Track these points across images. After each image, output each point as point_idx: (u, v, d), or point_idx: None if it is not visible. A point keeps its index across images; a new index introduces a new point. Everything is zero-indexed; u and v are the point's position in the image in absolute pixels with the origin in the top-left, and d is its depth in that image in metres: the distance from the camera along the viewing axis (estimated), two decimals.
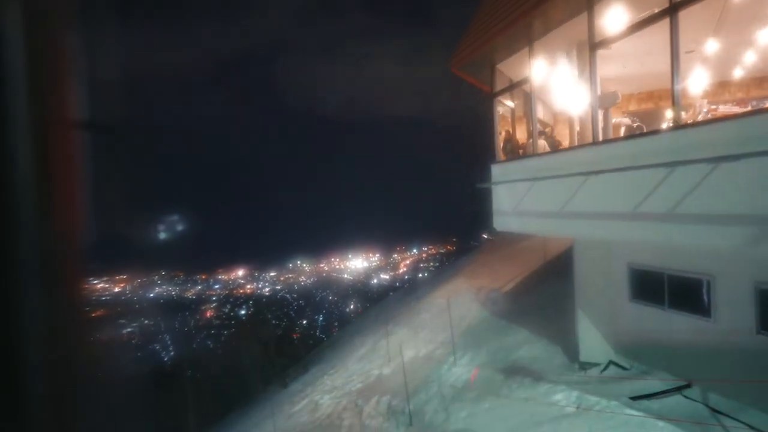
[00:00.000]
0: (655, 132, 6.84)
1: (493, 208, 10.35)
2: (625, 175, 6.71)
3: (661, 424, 6.15)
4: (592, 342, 9.20)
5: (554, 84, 9.66)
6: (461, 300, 15.39)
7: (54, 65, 1.34)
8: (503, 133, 11.02)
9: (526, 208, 9.28)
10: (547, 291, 14.61)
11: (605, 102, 7.77)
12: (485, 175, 10.75)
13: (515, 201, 9.50)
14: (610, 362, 8.89)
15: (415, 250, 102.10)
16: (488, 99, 11.03)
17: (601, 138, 7.58)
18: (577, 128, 9.48)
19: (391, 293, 40.39)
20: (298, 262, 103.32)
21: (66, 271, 1.36)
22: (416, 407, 10.46)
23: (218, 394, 29.05)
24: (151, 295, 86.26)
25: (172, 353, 62.90)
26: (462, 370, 11.18)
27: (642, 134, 6.84)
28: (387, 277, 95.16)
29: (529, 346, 11.04)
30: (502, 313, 13.84)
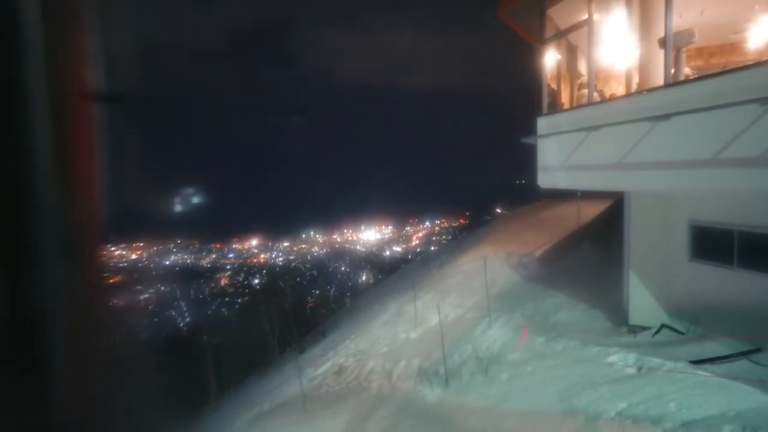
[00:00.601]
0: (746, 67, 6.10)
1: (538, 164, 9.71)
2: (702, 117, 6.02)
3: (744, 386, 5.58)
4: (643, 304, 8.62)
5: (612, 29, 8.88)
6: (490, 265, 14.81)
7: (71, 37, 1.33)
8: (548, 87, 10.30)
9: (577, 161, 8.63)
10: (582, 256, 14.02)
11: (680, 40, 7.03)
12: (525, 133, 10.10)
13: (565, 154, 8.84)
14: (663, 325, 8.32)
15: (427, 223, 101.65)
16: (536, 48, 10.30)
17: (672, 80, 6.87)
18: (636, 79, 8.72)
19: (409, 261, 40.02)
20: (311, 232, 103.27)
21: (85, 241, 1.38)
22: (451, 370, 10.00)
23: (236, 358, 29.07)
24: (167, 262, 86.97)
25: (187, 320, 63.71)
26: (497, 333, 10.67)
27: (729, 70, 6.14)
28: (399, 249, 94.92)
29: (568, 310, 10.50)
30: (536, 278, 13.30)
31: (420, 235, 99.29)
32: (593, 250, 14.37)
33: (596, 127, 7.86)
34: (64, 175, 1.29)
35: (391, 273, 38.33)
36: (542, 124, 9.54)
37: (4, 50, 1.18)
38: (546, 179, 9.52)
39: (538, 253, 15.50)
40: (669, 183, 6.85)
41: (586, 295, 10.94)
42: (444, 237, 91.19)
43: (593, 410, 6.13)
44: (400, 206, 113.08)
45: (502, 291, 13.05)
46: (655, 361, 6.74)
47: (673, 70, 7.05)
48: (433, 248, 67.22)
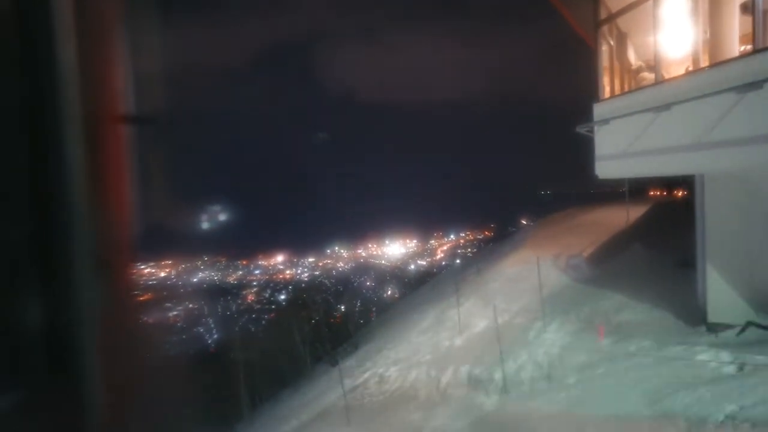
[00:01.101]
0: None
1: (596, 154, 9.00)
2: None
3: None
4: (723, 300, 7.80)
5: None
6: (536, 268, 14.05)
7: (104, 60, 1.38)
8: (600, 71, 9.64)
9: (643, 146, 7.91)
10: (633, 257, 13.18)
11: None
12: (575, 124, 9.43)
13: (628, 140, 8.13)
14: (749, 323, 7.48)
15: (452, 236, 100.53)
16: (586, 36, 9.68)
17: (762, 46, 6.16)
18: (703, 56, 8.00)
19: (442, 270, 39.13)
20: (336, 248, 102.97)
21: (116, 259, 1.42)
22: (507, 376, 9.27)
23: (267, 373, 28.55)
24: (195, 279, 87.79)
25: (215, 336, 63.70)
26: (553, 336, 9.91)
27: None
28: (424, 263, 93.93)
29: (631, 311, 9.70)
30: (588, 280, 12.50)
31: (445, 248, 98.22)
32: (644, 251, 13.51)
33: (667, 106, 7.15)
34: (96, 194, 1.32)
35: (417, 285, 37.56)
36: (600, 110, 8.85)
37: (39, 73, 1.21)
38: (605, 168, 8.81)
39: (586, 254, 14.67)
40: (762, 159, 6.11)
41: (647, 295, 10.12)
42: (469, 250, 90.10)
43: (694, 414, 5.38)
44: (424, 219, 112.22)
45: (552, 294, 12.26)
46: (759, 359, 5.95)
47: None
48: (465, 256, 66.33)
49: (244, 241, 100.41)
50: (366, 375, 14.87)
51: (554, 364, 8.74)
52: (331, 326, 31.06)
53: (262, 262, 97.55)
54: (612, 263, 13.08)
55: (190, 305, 70.01)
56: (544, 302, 12.11)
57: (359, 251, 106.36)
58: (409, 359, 13.54)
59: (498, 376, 9.45)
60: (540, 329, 10.51)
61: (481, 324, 13.03)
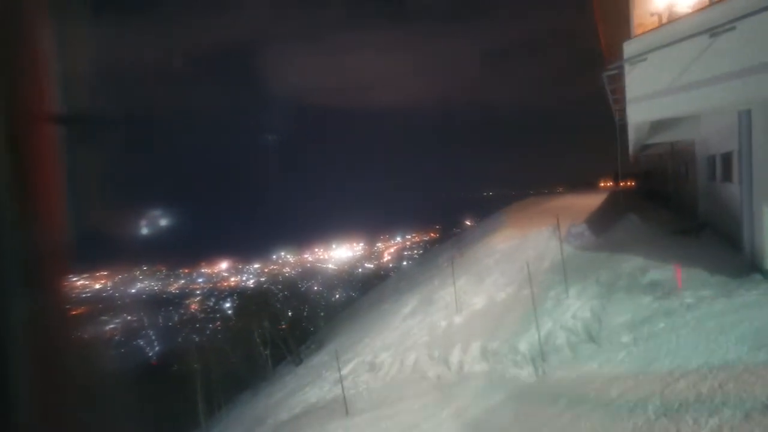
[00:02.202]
0: None
1: (628, 96, 8.13)
2: None
3: None
4: None
5: None
6: (533, 241, 13.23)
7: (29, 59, 1.29)
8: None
9: (687, 79, 7.08)
10: (631, 227, 12.61)
11: None
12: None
13: (672, 74, 7.28)
14: None
15: (398, 238, 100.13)
16: None
17: None
18: None
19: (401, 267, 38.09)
20: (282, 253, 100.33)
21: (47, 270, 1.32)
22: (533, 346, 8.24)
23: (225, 379, 26.65)
24: (133, 290, 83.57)
25: (157, 348, 60.51)
26: (577, 302, 8.95)
27: None
28: (371, 266, 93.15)
29: (658, 271, 8.85)
30: (594, 247, 11.72)
31: (391, 250, 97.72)
32: (641, 222, 12.93)
33: (732, 22, 6.33)
34: (23, 199, 1.23)
35: (374, 284, 36.33)
36: (634, 47, 7.96)
37: None
38: (643, 110, 7.94)
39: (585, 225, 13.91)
40: None
41: (670, 255, 9.36)
42: (415, 251, 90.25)
43: None
44: (369, 223, 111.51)
45: (557, 263, 11.36)
46: None
47: None
48: (405, 262, 65.73)
49: (185, 248, 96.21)
50: (352, 364, 13.50)
51: (591, 327, 7.75)
52: (291, 327, 29.31)
53: (205, 270, 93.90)
54: (612, 233, 12.41)
55: (129, 317, 66.48)
56: (554, 272, 11.22)
57: (306, 256, 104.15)
58: (401, 343, 12.29)
59: (523, 347, 8.38)
60: (558, 296, 9.54)
61: (480, 301, 11.98)
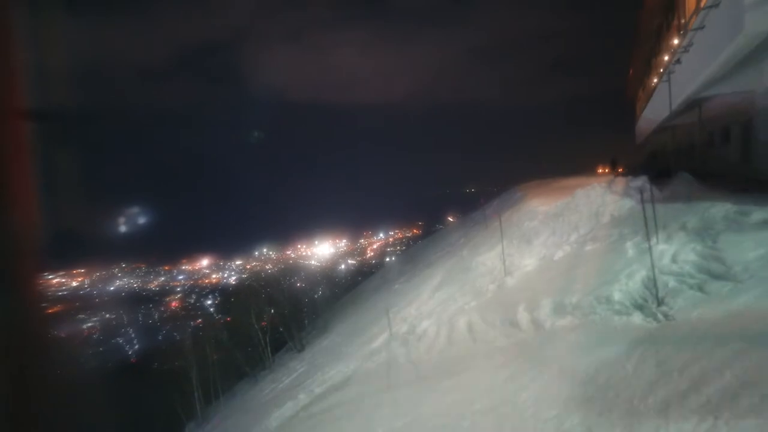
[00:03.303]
0: None
1: (746, 2, 6.94)
2: None
3: None
4: None
5: None
6: (581, 199, 12.02)
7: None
8: None
9: None
10: (689, 181, 11.48)
11: None
12: None
13: None
14: None
15: (381, 235, 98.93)
16: None
17: None
18: None
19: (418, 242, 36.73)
20: (264, 249, 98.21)
21: (20, 268, 1.29)
22: (632, 294, 7.02)
23: (224, 369, 25.05)
24: (112, 288, 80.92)
25: (136, 346, 58.63)
26: (671, 247, 7.70)
27: None
28: (354, 262, 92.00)
29: (763, 212, 7.75)
30: (662, 199, 10.55)
31: (375, 246, 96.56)
32: (696, 180, 11.84)
33: None
34: None
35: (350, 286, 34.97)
36: None
37: None
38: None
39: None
40: None
41: (759, 201, 8.30)
42: (398, 247, 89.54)
43: None
44: (352, 219, 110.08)
45: (619, 218, 10.22)
46: None
47: None
48: (388, 259, 64.65)
49: (166, 245, 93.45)
50: (382, 338, 12.13)
51: (712, 267, 6.54)
52: (287, 317, 27.73)
53: (186, 267, 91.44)
54: (673, 187, 11.30)
55: (107, 315, 64.36)
56: (617, 225, 10.03)
57: (288, 252, 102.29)
58: (443, 312, 10.93)
59: (618, 296, 7.11)
60: (638, 246, 8.30)
61: (531, 262, 10.71)
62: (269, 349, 24.91)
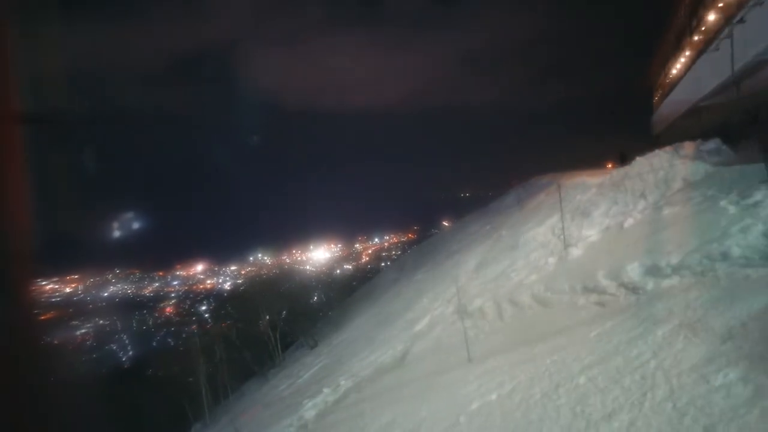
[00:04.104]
0: None
1: None
2: None
3: None
4: None
5: None
6: (643, 166, 11.06)
7: None
8: None
9: None
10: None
11: None
12: None
13: None
14: None
15: (376, 240, 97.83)
16: None
17: None
18: None
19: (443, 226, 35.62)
20: (259, 255, 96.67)
21: (14, 274, 1.25)
22: (749, 249, 6.05)
23: (232, 368, 23.80)
24: (105, 294, 79.21)
25: (130, 352, 57.40)
26: None
27: None
28: (350, 267, 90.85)
29: None
30: (739, 161, 9.69)
31: (370, 251, 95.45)
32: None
33: None
34: None
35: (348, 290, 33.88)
36: None
37: None
38: None
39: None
40: None
41: None
42: (393, 252, 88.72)
43: None
44: (347, 224, 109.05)
45: (694, 182, 9.29)
46: None
47: None
48: (383, 264, 63.73)
49: (160, 250, 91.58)
50: (426, 320, 11.09)
51: None
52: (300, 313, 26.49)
53: (180, 273, 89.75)
54: (744, 151, 10.39)
55: (101, 322, 63.05)
56: (695, 188, 9.09)
57: (284, 257, 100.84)
58: (497, 288, 9.96)
59: (736, 251, 6.15)
60: (738, 203, 7.36)
61: (594, 232, 9.79)
62: (279, 346, 23.69)
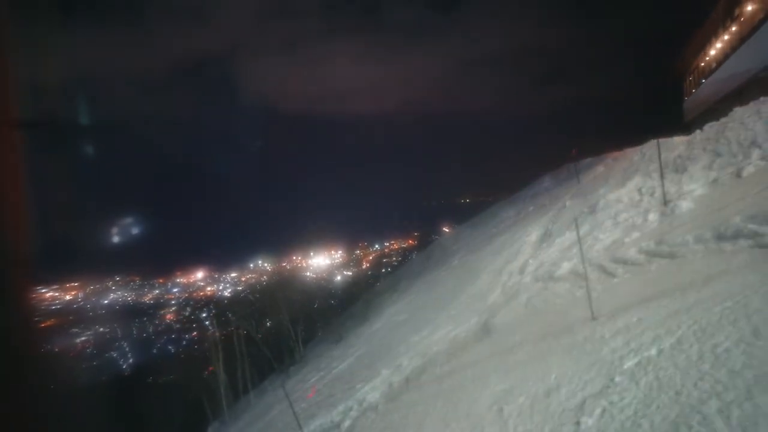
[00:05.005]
0: None
1: None
2: None
3: None
4: None
5: None
6: (747, 116, 9.97)
7: None
8: None
9: None
10: None
11: None
12: None
13: None
14: None
15: (377, 246, 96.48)
16: None
17: None
18: None
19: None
20: (260, 261, 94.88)
21: (12, 281, 1.20)
22: None
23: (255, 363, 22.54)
24: (106, 301, 77.66)
25: (131, 360, 56.20)
26: None
27: None
28: (350, 273, 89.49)
29: None
30: None
31: (371, 258, 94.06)
32: None
33: None
34: None
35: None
36: None
37: None
38: None
39: None
40: None
41: None
42: (394, 258, 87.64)
43: None
44: (347, 231, 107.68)
45: None
46: None
47: None
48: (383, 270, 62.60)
49: (160, 257, 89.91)
50: (497, 293, 9.84)
51: None
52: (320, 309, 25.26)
53: (180, 280, 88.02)
54: None
55: (101, 329, 61.88)
56: None
57: (284, 264, 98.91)
58: (587, 250, 8.71)
59: None
60: None
61: (696, 186, 8.83)
62: (300, 342, 22.34)
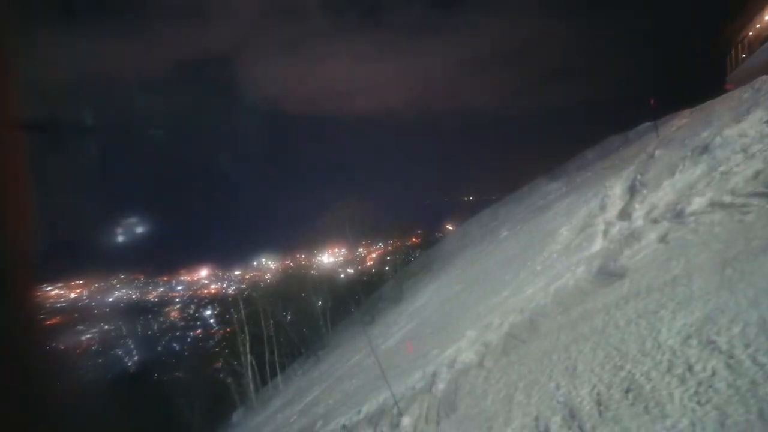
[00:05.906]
0: None
1: None
2: None
3: None
4: None
5: None
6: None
7: None
8: None
9: None
10: None
11: None
12: None
13: None
14: None
15: (380, 244, 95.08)
16: None
17: None
18: None
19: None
20: (263, 259, 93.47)
21: (17, 280, 1.16)
22: None
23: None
24: (110, 299, 76.72)
25: (135, 357, 55.43)
26: None
27: None
28: (352, 271, 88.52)
29: None
30: None
31: (374, 255, 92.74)
32: None
33: None
34: None
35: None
36: None
37: None
38: None
39: None
40: None
41: None
42: (397, 256, 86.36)
43: None
44: (350, 229, 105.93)
45: None
46: None
47: None
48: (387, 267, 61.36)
49: (164, 256, 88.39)
50: (598, 242, 8.37)
51: None
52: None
53: (184, 278, 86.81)
54: None
55: (106, 327, 60.97)
56: None
57: (287, 262, 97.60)
58: (724, 184, 7.24)
59: None
60: None
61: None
62: (329, 326, 20.86)
